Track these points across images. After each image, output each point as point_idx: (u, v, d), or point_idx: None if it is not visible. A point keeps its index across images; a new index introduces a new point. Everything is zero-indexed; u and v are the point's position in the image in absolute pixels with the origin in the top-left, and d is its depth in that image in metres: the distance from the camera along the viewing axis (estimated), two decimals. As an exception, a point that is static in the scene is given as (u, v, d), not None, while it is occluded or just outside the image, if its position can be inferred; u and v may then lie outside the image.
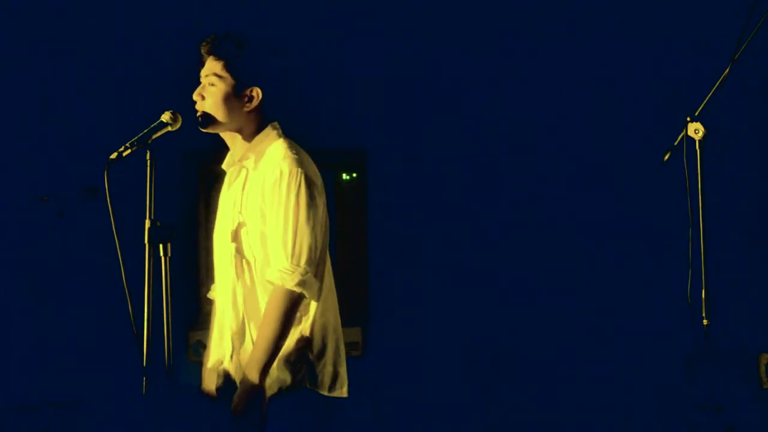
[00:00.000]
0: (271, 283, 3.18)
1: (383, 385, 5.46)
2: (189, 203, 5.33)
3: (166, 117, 3.21)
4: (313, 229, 3.20)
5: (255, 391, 3.14)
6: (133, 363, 3.12)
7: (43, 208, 5.07)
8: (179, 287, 5.07)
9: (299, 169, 3.23)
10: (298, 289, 3.14)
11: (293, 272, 3.15)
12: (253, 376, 3.13)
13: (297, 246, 3.17)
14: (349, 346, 5.32)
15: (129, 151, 3.12)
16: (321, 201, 3.27)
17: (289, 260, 3.16)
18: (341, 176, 5.54)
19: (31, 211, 5.11)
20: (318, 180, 3.29)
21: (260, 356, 3.14)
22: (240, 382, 3.19)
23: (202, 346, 5.24)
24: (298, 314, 3.22)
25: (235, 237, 3.31)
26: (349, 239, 5.49)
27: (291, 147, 3.31)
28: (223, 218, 3.43)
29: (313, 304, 3.26)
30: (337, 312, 3.37)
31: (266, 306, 3.19)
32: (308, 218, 3.20)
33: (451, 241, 5.63)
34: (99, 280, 4.95)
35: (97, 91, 5.30)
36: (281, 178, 3.22)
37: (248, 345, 3.28)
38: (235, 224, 3.32)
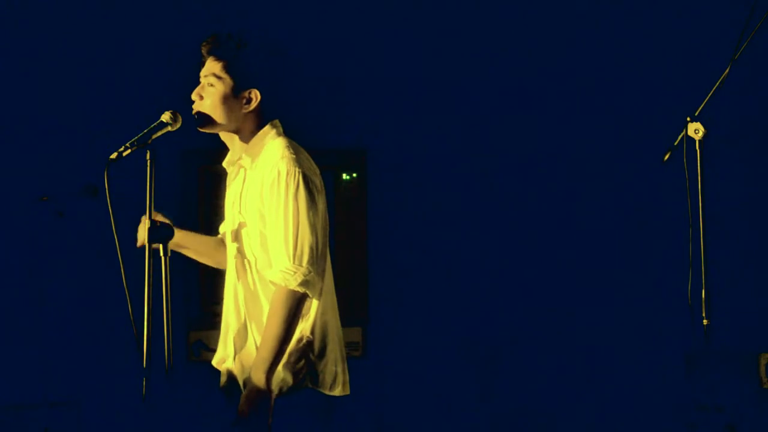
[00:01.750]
0: (274, 284, 3.16)
1: (383, 385, 5.46)
2: (189, 203, 5.33)
3: (166, 117, 3.19)
4: (313, 228, 3.19)
5: (261, 393, 3.12)
6: (133, 363, 3.11)
7: (43, 208, 5.06)
8: (179, 287, 5.09)
9: (297, 169, 3.21)
10: (301, 289, 3.13)
11: (296, 272, 3.13)
12: (259, 378, 3.11)
13: (298, 246, 3.16)
14: (349, 346, 5.33)
15: (129, 151, 3.10)
16: (320, 199, 3.25)
17: (291, 260, 3.14)
18: (341, 176, 5.54)
19: (31, 211, 5.11)
20: (317, 178, 3.27)
21: (266, 358, 3.12)
22: (246, 385, 3.18)
23: (202, 346, 5.25)
24: (298, 314, 3.22)
25: (236, 237, 3.30)
26: (349, 239, 5.49)
27: (289, 146, 3.28)
28: (226, 218, 3.42)
29: (314, 304, 3.24)
30: (337, 311, 3.36)
31: (270, 307, 3.17)
32: (308, 217, 3.18)
33: (450, 241, 5.63)
34: (99, 280, 4.95)
35: (97, 91, 5.30)
36: (279, 178, 3.20)
37: (250, 346, 3.27)
38: (236, 224, 3.31)
